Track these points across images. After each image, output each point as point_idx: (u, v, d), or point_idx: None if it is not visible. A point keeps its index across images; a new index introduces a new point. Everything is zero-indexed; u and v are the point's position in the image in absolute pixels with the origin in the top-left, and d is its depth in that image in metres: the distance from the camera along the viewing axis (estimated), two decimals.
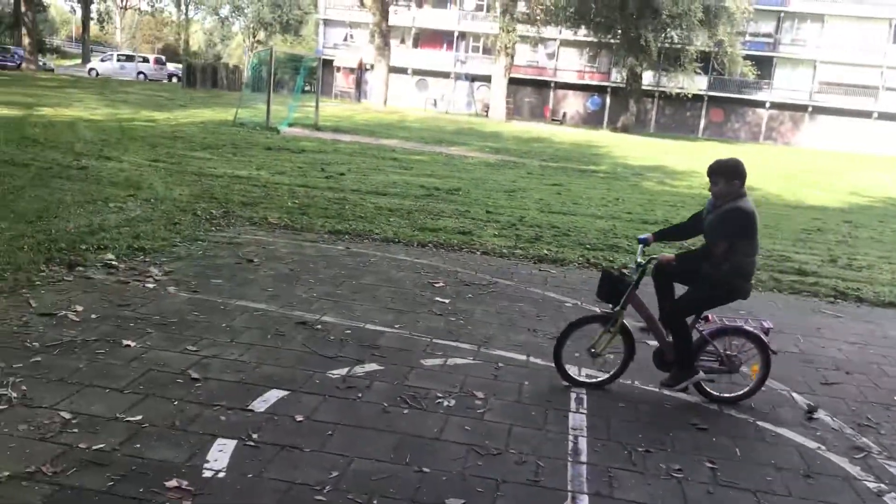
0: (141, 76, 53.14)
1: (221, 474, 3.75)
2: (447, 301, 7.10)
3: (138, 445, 3.91)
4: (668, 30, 45.65)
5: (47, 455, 3.72)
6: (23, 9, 47.75)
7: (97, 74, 51.77)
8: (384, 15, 47.10)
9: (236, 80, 49.34)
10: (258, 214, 10.23)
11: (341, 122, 30.46)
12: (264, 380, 4.89)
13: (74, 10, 78.05)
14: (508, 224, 11.43)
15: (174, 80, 54.27)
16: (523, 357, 5.81)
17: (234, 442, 4.05)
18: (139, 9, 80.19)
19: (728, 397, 5.33)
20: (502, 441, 4.39)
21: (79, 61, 66.39)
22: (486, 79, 55.56)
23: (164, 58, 61.57)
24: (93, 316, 5.77)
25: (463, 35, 60.87)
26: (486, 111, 52.75)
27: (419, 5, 60.09)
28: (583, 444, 4.47)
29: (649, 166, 24.66)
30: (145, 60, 56.30)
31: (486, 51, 57.80)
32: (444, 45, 61.39)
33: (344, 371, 5.16)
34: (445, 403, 4.81)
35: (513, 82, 52.85)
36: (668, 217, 13.42)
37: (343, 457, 4.02)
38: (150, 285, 6.70)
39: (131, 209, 9.79)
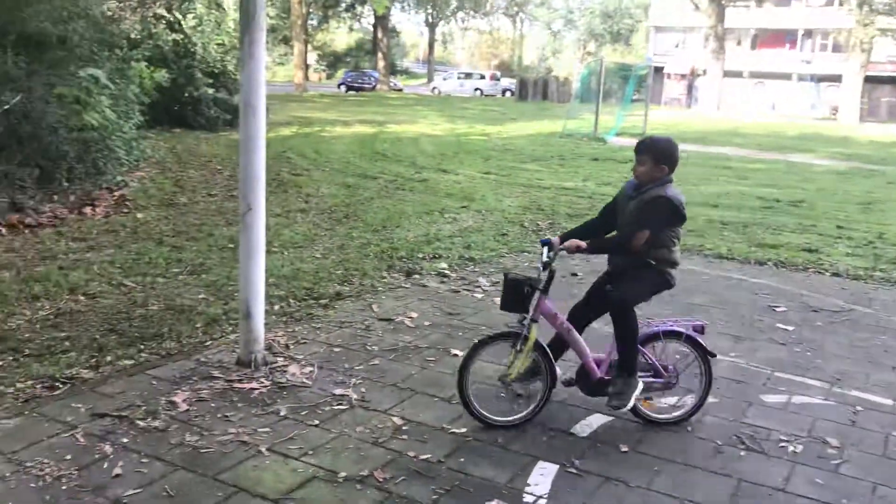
0: (478, 92, 56.35)
1: (542, 501, 3.60)
2: (791, 329, 6.36)
3: (462, 460, 3.91)
4: None
5: (379, 460, 3.86)
6: (380, 35, 53.10)
7: (439, 92, 55.92)
8: (720, 17, 44.95)
9: (566, 91, 50.24)
10: None
11: (670, 129, 29.49)
12: (587, 402, 4.68)
13: (422, 34, 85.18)
14: (864, 241, 10.07)
15: (507, 94, 56.77)
16: (889, 402, 4.96)
17: (556, 467, 3.89)
18: (478, 29, 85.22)
19: (667, 418, 4.50)
20: (864, 502, 3.73)
21: (424, 80, 72.39)
22: (835, 78, 50.56)
23: (498, 74, 64.72)
24: (426, 323, 6.01)
25: (809, 32, 56.06)
26: (835, 114, 47.93)
27: (759, 4, 56.45)
28: None
29: None
30: (482, 77, 59.63)
31: (836, 48, 52.61)
32: (787, 45, 57.01)
33: (673, 400, 4.78)
34: (791, 449, 4.23)
35: (868, 80, 47.44)
36: None
37: (672, 497, 3.67)
38: (479, 295, 6.86)
39: (464, 220, 10.22)
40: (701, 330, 4.52)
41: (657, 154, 4.23)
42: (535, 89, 50.00)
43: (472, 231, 9.47)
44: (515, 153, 18.75)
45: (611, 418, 4.47)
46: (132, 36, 18.63)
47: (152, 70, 15.83)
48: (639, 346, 4.35)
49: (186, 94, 19.99)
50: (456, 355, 5.32)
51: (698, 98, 55.98)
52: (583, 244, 4.25)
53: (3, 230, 8.46)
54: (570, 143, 21.93)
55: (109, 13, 17.94)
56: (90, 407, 4.30)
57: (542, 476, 3.81)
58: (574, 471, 3.87)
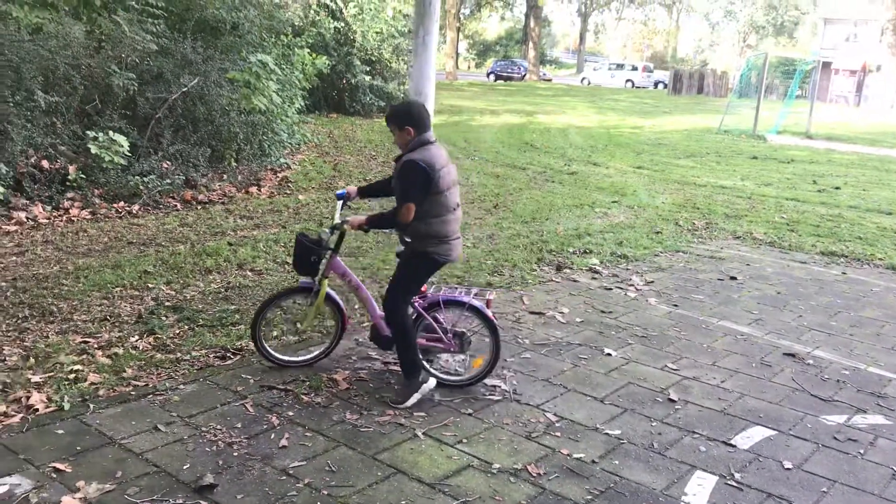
0: (629, 84, 55.05)
1: None
2: None
3: (616, 462, 3.84)
4: None
5: (532, 455, 3.85)
6: (531, 25, 52.83)
7: (589, 83, 55.03)
8: None
9: (723, 86, 48.25)
10: (742, 228, 9.70)
11: (836, 129, 27.73)
12: (748, 413, 4.50)
13: (574, 23, 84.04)
14: None
15: (660, 86, 55.19)
16: None
17: (715, 478, 3.75)
18: (632, 19, 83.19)
19: (457, 380, 4.59)
20: None
21: (573, 71, 71.47)
22: None
23: (651, 65, 62.95)
24: (577, 319, 5.95)
25: None
26: None
27: None
28: None
29: None
30: (634, 69, 58.15)
31: None
32: None
33: (841, 419, 4.51)
34: None
35: None
36: None
37: None
38: (632, 294, 6.71)
39: (615, 215, 10.02)
40: (488, 303, 4.61)
41: (398, 119, 4.21)
42: (689, 82, 48.24)
43: (623, 227, 9.28)
44: (669, 148, 18.20)
45: (774, 431, 4.27)
46: (296, 24, 19.42)
47: (314, 57, 16.40)
48: (425, 313, 4.52)
49: (344, 81, 20.66)
50: (609, 355, 5.24)
51: (868, 96, 52.28)
52: (363, 220, 4.33)
53: (179, 205, 9.05)
54: (727, 140, 21.04)
55: (277, 1, 18.78)
56: (258, 378, 4.54)
57: (701, 486, 3.69)
58: (734, 484, 3.72)
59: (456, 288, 4.86)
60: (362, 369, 4.78)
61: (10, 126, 8.53)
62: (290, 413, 4.14)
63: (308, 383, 4.51)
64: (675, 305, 6.47)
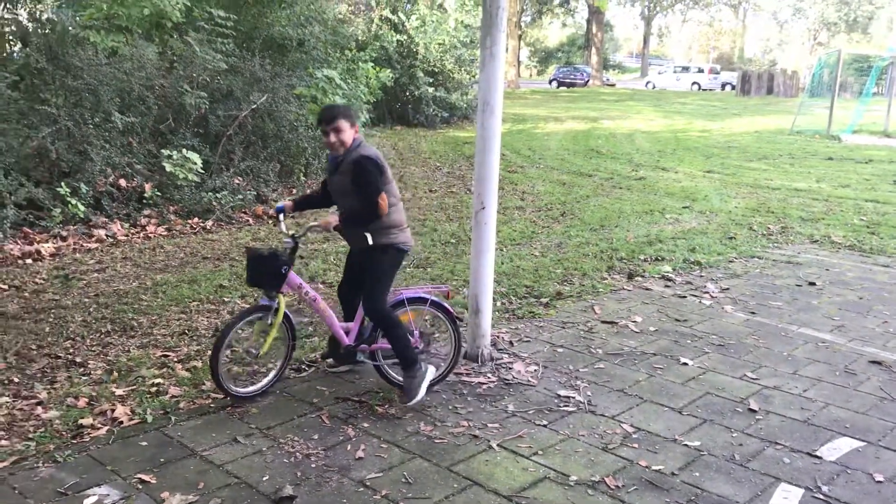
0: (695, 86, 54.12)
1: None
2: None
3: (697, 474, 3.74)
4: None
5: (610, 467, 3.78)
6: (594, 30, 52.44)
7: (654, 87, 54.30)
8: None
9: (793, 85, 46.99)
10: (819, 232, 9.39)
11: None
12: (833, 424, 4.33)
13: (637, 27, 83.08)
14: None
15: (727, 88, 54.08)
16: None
17: (801, 491, 3.62)
18: (697, 21, 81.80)
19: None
20: None
21: (637, 75, 70.61)
22: None
23: (718, 67, 61.76)
24: (651, 328, 5.84)
25: None
26: None
27: None
28: None
29: None
30: (700, 71, 57.14)
31: None
32: None
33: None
34: None
35: None
36: None
37: None
38: (707, 302, 6.56)
39: (686, 221, 9.83)
40: (447, 295, 4.67)
41: (351, 117, 4.25)
42: (758, 83, 47.11)
43: (695, 233, 9.09)
44: (740, 151, 17.78)
45: (862, 442, 4.10)
46: (360, 38, 19.69)
47: (378, 70, 16.58)
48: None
49: (407, 93, 20.84)
50: (686, 364, 5.13)
51: None
52: (335, 221, 4.20)
53: (251, 220, 9.24)
54: (800, 141, 20.45)
55: (340, 16, 19.08)
56: (333, 390, 4.58)
57: (786, 500, 3.56)
58: (822, 497, 3.58)
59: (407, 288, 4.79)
60: (434, 380, 4.77)
61: (90, 147, 8.84)
62: (366, 424, 4.17)
63: (381, 394, 4.53)
64: (753, 313, 6.30)
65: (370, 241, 4.29)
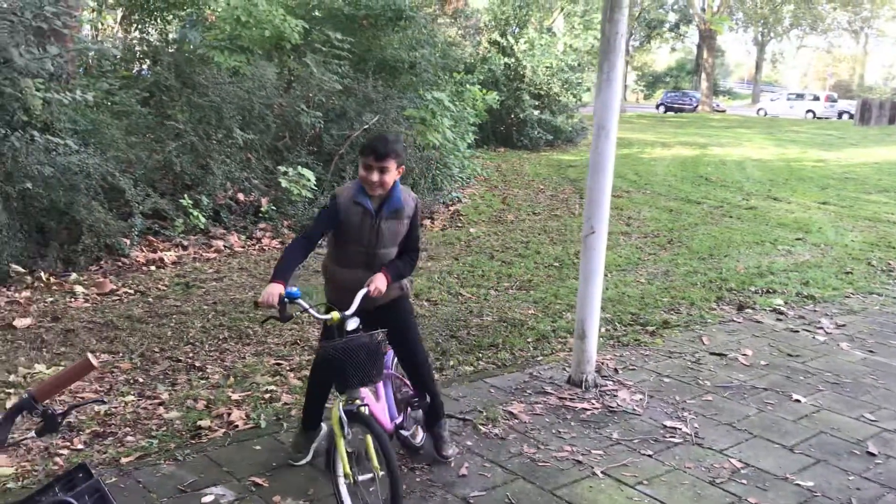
0: (809, 114, 52.20)
1: None
2: None
3: None
4: None
5: (717, 502, 3.70)
6: (704, 55, 51.42)
7: (765, 114, 52.67)
8: None
9: None
10: None
11: None
12: None
13: (749, 52, 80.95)
14: None
15: (844, 117, 51.92)
16: None
17: None
18: (815, 47, 79.07)
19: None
20: None
21: (748, 102, 68.67)
22: None
23: (835, 95, 59.41)
24: (761, 362, 5.67)
25: None
26: None
27: None
28: None
29: None
30: (815, 98, 55.08)
31: None
32: None
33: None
34: None
35: None
36: None
37: None
38: (821, 338, 6.32)
39: (799, 253, 9.50)
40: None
41: (401, 157, 3.55)
42: (879, 112, 44.96)
43: (809, 266, 8.77)
44: (858, 182, 17.03)
45: None
46: (468, 61, 19.97)
47: (485, 92, 16.77)
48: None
49: (512, 115, 20.95)
50: (798, 401, 4.96)
51: None
52: (387, 279, 3.49)
53: None
54: None
55: (450, 39, 19.42)
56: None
57: None
58: None
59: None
60: (538, 403, 4.79)
61: (212, 161, 9.30)
62: (469, 443, 4.22)
63: (485, 414, 4.57)
64: (871, 351, 6.03)
65: (409, 289, 3.88)
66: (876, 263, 9.10)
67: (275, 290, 3.18)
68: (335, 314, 3.30)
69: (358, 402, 3.27)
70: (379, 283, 3.46)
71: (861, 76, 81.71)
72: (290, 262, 3.40)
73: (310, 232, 3.58)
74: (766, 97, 60.27)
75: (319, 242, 3.65)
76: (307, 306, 3.26)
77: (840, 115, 52.79)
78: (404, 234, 3.67)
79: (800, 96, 56.25)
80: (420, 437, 4.06)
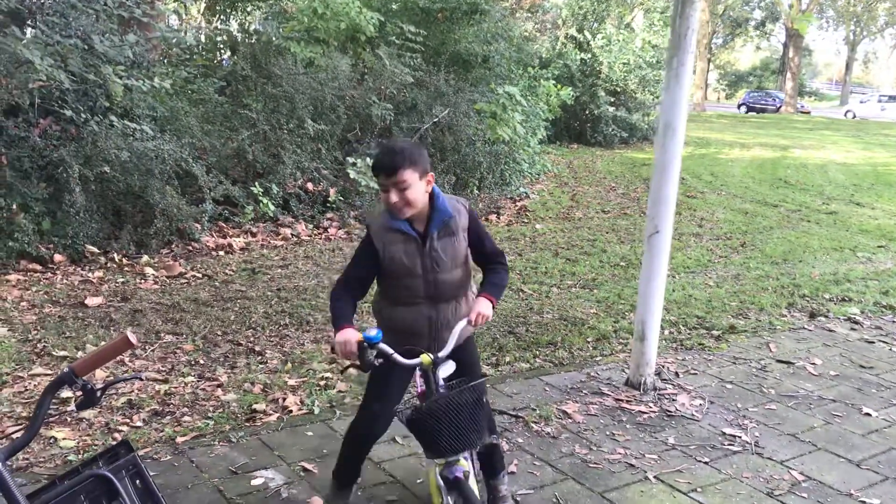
0: None
1: None
2: None
3: None
4: None
5: None
6: (790, 54, 49.82)
7: (854, 116, 50.71)
8: None
9: None
10: None
11: None
12: None
13: (839, 52, 78.08)
14: None
15: None
16: None
17: None
18: None
19: None
20: None
21: (836, 103, 66.25)
22: None
23: None
24: (831, 372, 5.45)
25: None
26: None
27: None
28: None
29: None
30: None
31: None
32: None
33: None
34: None
35: None
36: None
37: None
38: None
39: (881, 261, 9.10)
40: None
41: (425, 162, 2.89)
42: None
43: (890, 275, 8.39)
44: None
45: None
46: (543, 56, 19.80)
47: (559, 88, 16.60)
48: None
49: (587, 112, 20.69)
50: (869, 415, 4.75)
51: None
52: (490, 302, 2.93)
53: None
54: None
55: (526, 34, 19.29)
56: (491, 401, 4.61)
57: None
58: None
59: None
60: (593, 403, 4.71)
61: (283, 150, 9.45)
62: (520, 440, 4.17)
63: (538, 412, 4.52)
64: None
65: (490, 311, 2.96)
66: None
67: (351, 337, 2.73)
68: (425, 357, 2.76)
69: (462, 468, 2.73)
70: (484, 309, 2.91)
71: None
72: (344, 310, 2.91)
73: (349, 275, 3.02)
74: (855, 99, 58.02)
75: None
76: (391, 351, 2.75)
77: None
78: (466, 250, 3.06)
79: (892, 98, 53.96)
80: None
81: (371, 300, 3.27)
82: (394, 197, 2.83)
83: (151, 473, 3.60)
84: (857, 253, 9.45)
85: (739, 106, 53.76)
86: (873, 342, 6.20)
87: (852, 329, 6.53)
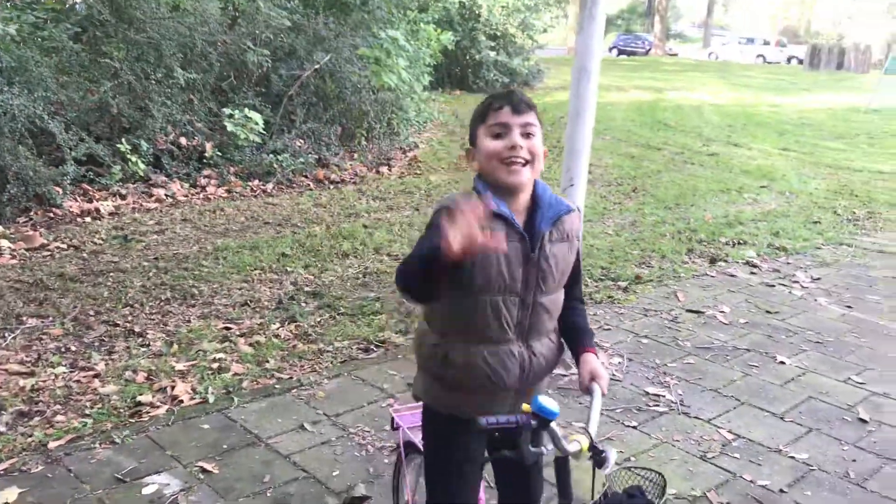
0: (759, 59, 52.32)
1: None
2: None
3: (809, 493, 3.36)
4: None
5: (711, 480, 3.42)
6: None
7: (717, 58, 52.62)
8: None
9: (865, 61, 45.05)
10: None
11: None
12: None
13: None
14: None
15: (793, 62, 52.17)
16: None
17: None
18: None
19: None
20: None
21: (699, 45, 68.53)
22: None
23: (784, 40, 59.63)
24: (741, 320, 5.41)
25: None
26: None
27: None
28: None
29: None
30: (766, 43, 55.20)
31: None
32: None
33: None
34: None
35: None
36: None
37: None
38: (798, 293, 6.09)
39: (766, 202, 9.29)
40: None
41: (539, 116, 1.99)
42: (828, 57, 45.23)
43: (777, 215, 8.56)
44: (814, 128, 16.94)
45: None
46: None
47: (439, 32, 16.10)
48: None
49: (468, 57, 20.29)
50: (783, 363, 4.71)
51: None
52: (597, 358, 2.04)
53: (311, 184, 8.96)
54: (878, 120, 19.44)
55: None
56: (404, 376, 4.28)
57: None
58: None
59: None
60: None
61: (151, 103, 8.63)
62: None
63: None
64: (849, 307, 5.82)
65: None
66: (841, 213, 8.95)
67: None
68: (583, 441, 1.76)
69: None
70: (602, 370, 2.01)
71: (808, 21, 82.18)
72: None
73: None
74: (717, 41, 60.15)
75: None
76: (560, 433, 1.74)
77: (789, 59, 53.03)
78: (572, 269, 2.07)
79: (750, 41, 56.31)
80: None
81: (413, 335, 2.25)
82: (519, 139, 1.89)
83: (20, 490, 3.08)
84: (743, 194, 9.61)
85: (611, 49, 54.69)
86: (773, 286, 6.24)
87: (752, 273, 6.56)
